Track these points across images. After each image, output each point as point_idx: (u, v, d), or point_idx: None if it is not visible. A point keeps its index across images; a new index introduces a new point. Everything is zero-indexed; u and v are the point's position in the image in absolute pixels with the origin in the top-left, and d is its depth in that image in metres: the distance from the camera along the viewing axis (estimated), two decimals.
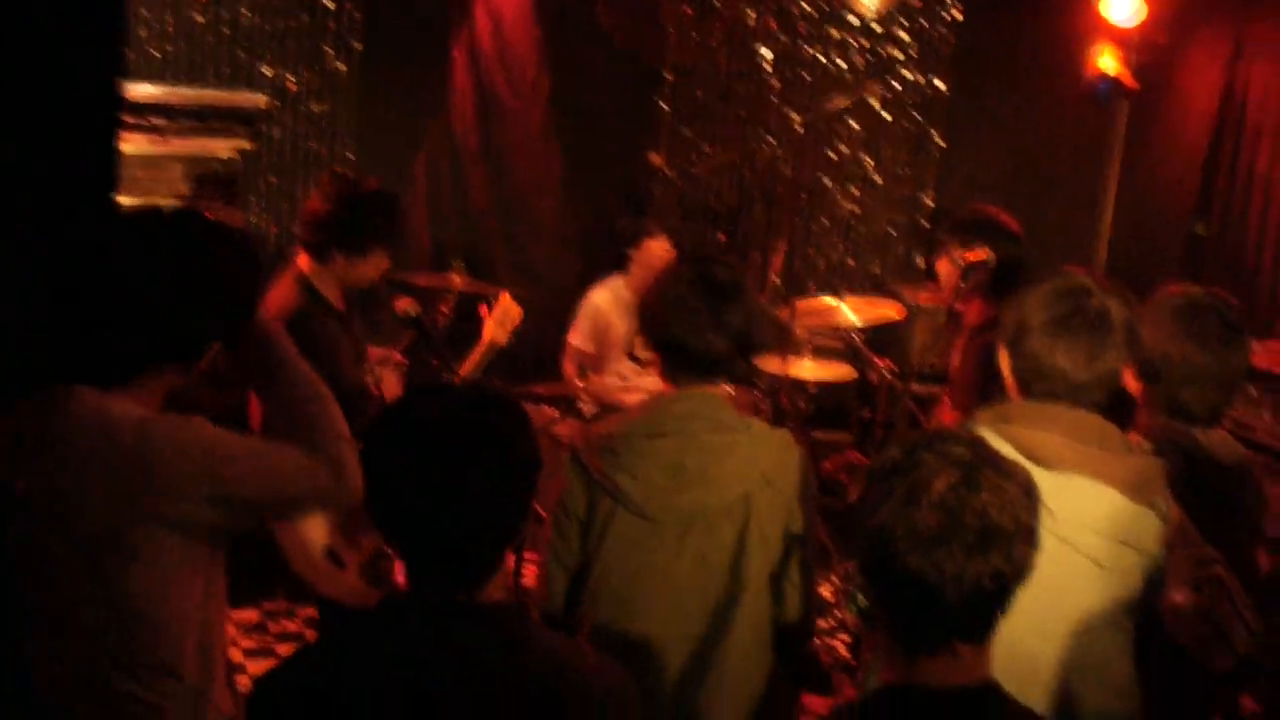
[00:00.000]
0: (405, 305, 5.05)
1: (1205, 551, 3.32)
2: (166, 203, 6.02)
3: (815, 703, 4.62)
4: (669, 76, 8.73)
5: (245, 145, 6.52)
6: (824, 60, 8.98)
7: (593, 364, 7.44)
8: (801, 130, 8.65)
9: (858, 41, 9.00)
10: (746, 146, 8.87)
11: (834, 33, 8.95)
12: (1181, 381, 3.66)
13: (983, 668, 2.29)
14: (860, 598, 3.16)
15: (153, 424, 2.90)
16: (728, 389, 3.58)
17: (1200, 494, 3.44)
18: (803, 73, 8.97)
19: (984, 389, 4.78)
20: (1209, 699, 3.73)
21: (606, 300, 7.44)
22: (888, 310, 7.16)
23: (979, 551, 2.18)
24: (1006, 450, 2.92)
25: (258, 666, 6.03)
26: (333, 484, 3.06)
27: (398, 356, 6.34)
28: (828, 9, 8.95)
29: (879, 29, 9.04)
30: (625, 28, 8.48)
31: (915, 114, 9.24)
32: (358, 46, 7.89)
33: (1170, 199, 8.35)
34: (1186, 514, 3.32)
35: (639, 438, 3.41)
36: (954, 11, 9.15)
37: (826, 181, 9.14)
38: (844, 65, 9.02)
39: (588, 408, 7.22)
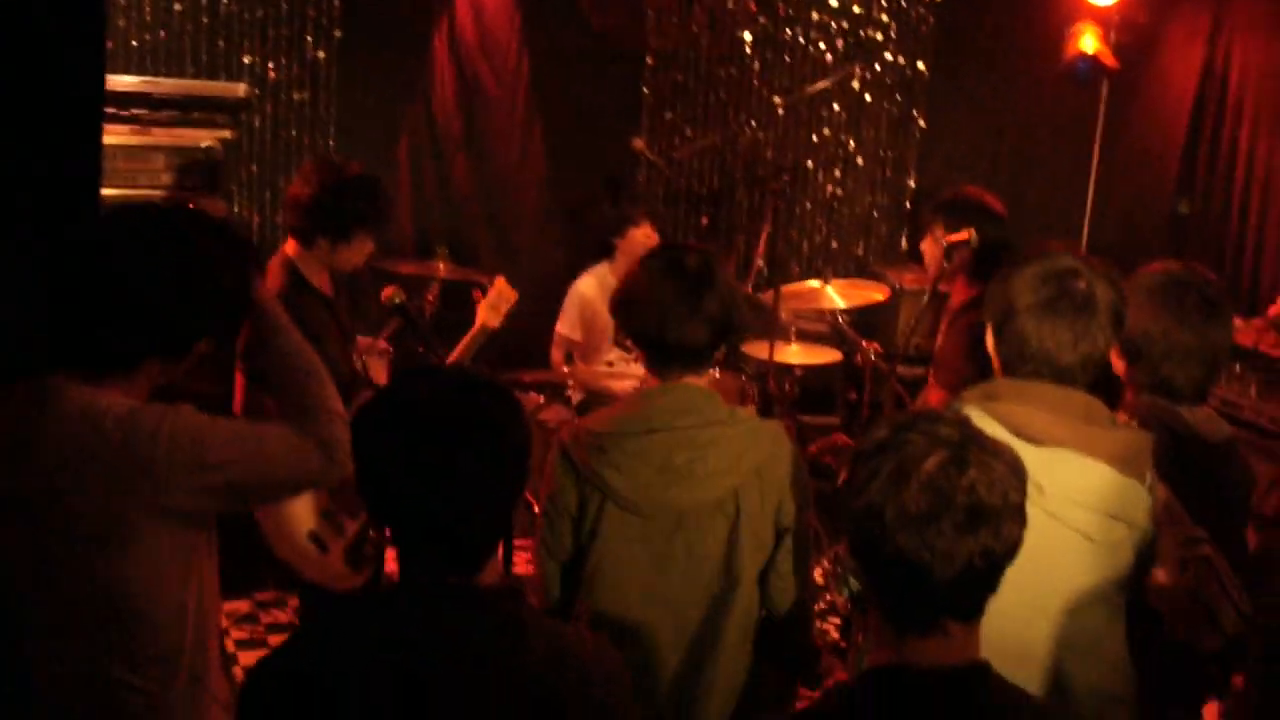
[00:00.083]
0: (390, 293, 5.04)
1: (1192, 530, 3.32)
2: (148, 193, 6.06)
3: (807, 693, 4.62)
4: (650, 61, 8.71)
5: (226, 134, 6.51)
6: (804, 43, 8.97)
7: (581, 352, 7.44)
8: (783, 113, 8.67)
9: (838, 24, 9.00)
10: (728, 130, 8.87)
11: (814, 15, 8.94)
12: (1163, 358, 3.66)
13: (973, 647, 2.30)
14: (852, 581, 3.17)
15: (140, 415, 2.90)
16: (714, 373, 3.56)
17: (1187, 472, 3.45)
18: (784, 55, 8.96)
19: (968, 368, 4.80)
20: (1201, 678, 3.74)
21: (592, 289, 7.44)
22: (872, 292, 7.17)
23: (968, 530, 2.18)
24: (994, 428, 2.93)
25: (249, 657, 6.03)
26: (324, 462, 3.07)
27: (383, 344, 6.34)
28: None
29: (859, 11, 9.04)
30: (606, 12, 8.47)
31: (897, 95, 9.24)
32: (337, 34, 7.87)
33: (1152, 178, 8.36)
34: (1173, 492, 3.33)
35: (628, 435, 3.38)
36: None
37: (809, 164, 9.14)
38: (824, 48, 9.01)
39: (575, 394, 7.22)
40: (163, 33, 7.38)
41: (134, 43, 7.27)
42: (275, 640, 6.21)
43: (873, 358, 6.96)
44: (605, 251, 7.52)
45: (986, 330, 3.33)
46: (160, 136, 6.34)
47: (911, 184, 9.36)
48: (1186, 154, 8.11)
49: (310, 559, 4.73)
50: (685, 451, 3.35)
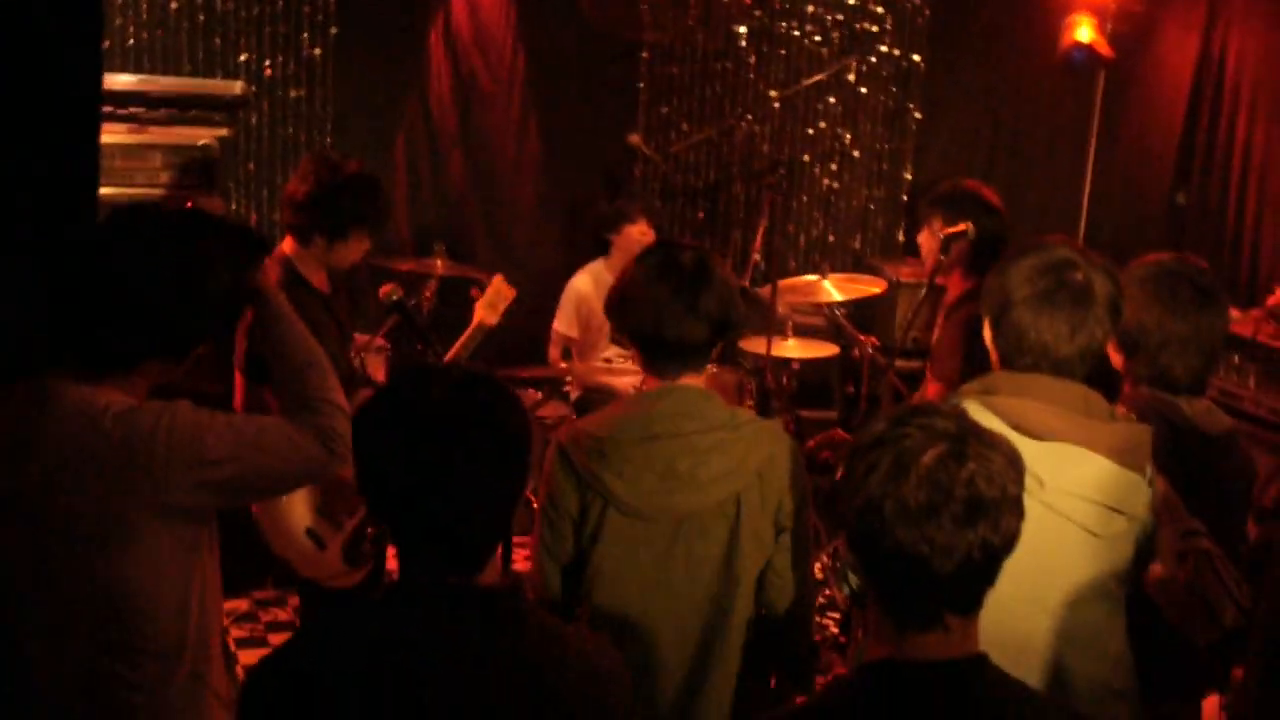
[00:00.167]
0: (388, 290, 5.05)
1: (1190, 523, 3.32)
2: (146, 191, 6.06)
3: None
4: (645, 55, 8.71)
5: (223, 132, 6.51)
6: (800, 36, 8.97)
7: (578, 350, 7.45)
8: (779, 107, 8.67)
9: (833, 17, 8.99)
10: (724, 124, 8.86)
11: (809, 8, 8.94)
12: (1160, 349, 3.66)
13: (971, 640, 2.30)
14: (851, 577, 3.17)
15: (138, 413, 2.91)
16: (712, 369, 3.55)
17: (1185, 464, 3.46)
18: (779, 49, 8.96)
19: (964, 361, 4.80)
20: (1200, 670, 3.75)
21: (589, 286, 7.44)
22: (869, 286, 7.18)
23: (967, 523, 2.19)
24: (993, 422, 2.94)
25: (249, 655, 6.04)
26: (324, 454, 3.07)
27: (381, 341, 6.35)
28: None
29: (854, 3, 9.03)
30: (601, 7, 8.46)
31: (892, 88, 9.23)
32: (333, 31, 7.87)
33: (1149, 169, 8.35)
34: (1172, 485, 3.33)
35: (629, 441, 3.35)
36: None
37: (805, 158, 9.14)
38: (820, 41, 9.01)
39: (573, 390, 7.23)
40: (159, 31, 7.38)
41: (131, 41, 7.27)
42: (275, 639, 6.21)
43: (870, 351, 6.97)
44: (601, 248, 7.53)
45: (984, 323, 3.33)
46: (157, 135, 6.34)
47: (908, 177, 9.36)
48: (1183, 144, 8.11)
49: (308, 556, 4.74)
50: (688, 458, 3.33)
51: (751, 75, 8.92)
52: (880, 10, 9.06)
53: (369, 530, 4.79)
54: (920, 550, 2.19)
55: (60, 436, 2.87)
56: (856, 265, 9.09)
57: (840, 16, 9.01)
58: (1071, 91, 8.65)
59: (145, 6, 7.32)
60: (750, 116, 8.87)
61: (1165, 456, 3.29)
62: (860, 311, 7.96)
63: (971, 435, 2.26)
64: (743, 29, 8.85)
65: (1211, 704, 4.02)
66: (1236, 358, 6.37)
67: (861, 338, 7.07)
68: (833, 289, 6.99)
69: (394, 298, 5.04)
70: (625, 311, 3.49)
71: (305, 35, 7.80)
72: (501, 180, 8.49)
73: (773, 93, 8.70)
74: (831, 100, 9.10)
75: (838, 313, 7.24)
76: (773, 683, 3.71)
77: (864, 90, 9.14)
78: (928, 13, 9.16)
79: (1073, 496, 3.05)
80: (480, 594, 2.42)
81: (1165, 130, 8.20)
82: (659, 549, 3.37)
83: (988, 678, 2.29)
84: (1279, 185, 7.46)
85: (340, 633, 2.43)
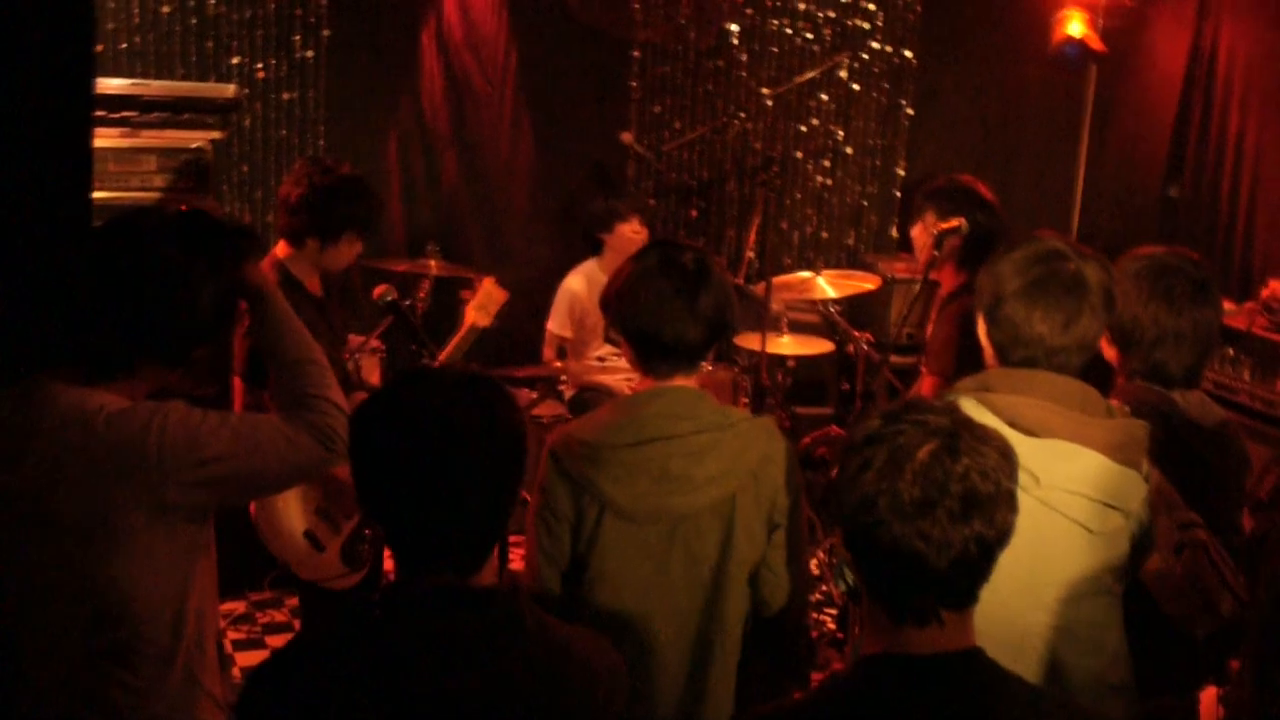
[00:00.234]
0: (382, 291, 5.05)
1: (1186, 515, 3.33)
2: (140, 195, 6.06)
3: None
4: (637, 54, 8.71)
5: (216, 135, 6.51)
6: (791, 34, 8.97)
7: (572, 349, 7.45)
8: (771, 104, 8.67)
9: (825, 14, 8.99)
10: (717, 122, 8.86)
11: (800, 5, 8.94)
12: (1155, 344, 3.66)
13: (966, 635, 2.31)
14: (848, 573, 3.17)
15: (131, 412, 2.91)
16: (707, 366, 3.53)
17: (1179, 457, 3.46)
18: (771, 47, 8.96)
19: (958, 355, 4.81)
20: (1198, 664, 3.75)
21: (582, 286, 7.45)
22: (863, 282, 7.19)
23: (962, 518, 2.20)
24: (990, 419, 2.94)
25: (247, 658, 6.04)
26: (320, 451, 3.08)
27: (376, 342, 6.35)
28: None
29: (845, 0, 9.03)
30: (592, 7, 8.46)
31: (884, 85, 9.24)
32: (326, 33, 7.86)
33: (1142, 163, 8.36)
34: (1167, 477, 3.34)
35: (622, 446, 3.34)
36: None
37: (798, 155, 9.14)
38: (811, 38, 9.01)
39: (568, 389, 7.24)
40: (151, 35, 7.37)
41: (123, 45, 7.26)
42: (272, 641, 6.22)
43: (865, 348, 6.97)
44: (594, 247, 7.54)
45: (978, 319, 3.33)
46: (150, 139, 6.34)
47: (901, 173, 9.36)
48: (1176, 138, 8.11)
49: (307, 558, 4.75)
50: (682, 459, 3.32)
51: (743, 73, 8.92)
52: (872, 7, 9.05)
53: (366, 532, 4.79)
54: (916, 546, 2.20)
55: (54, 438, 2.87)
56: (850, 262, 9.10)
57: (832, 13, 9.00)
58: (1064, 86, 8.67)
59: (137, 10, 7.31)
60: (743, 114, 8.87)
61: (1160, 449, 3.28)
62: (855, 308, 7.97)
63: (964, 430, 2.27)
64: (734, 27, 8.84)
65: (1209, 696, 4.02)
66: (1231, 350, 6.37)
67: (856, 334, 7.07)
68: (827, 286, 7.00)
69: (388, 299, 5.04)
70: (622, 308, 3.47)
71: (297, 38, 7.79)
72: (495, 180, 8.49)
73: (765, 90, 8.70)
74: (824, 97, 9.10)
75: (832, 309, 7.26)
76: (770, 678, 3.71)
77: (856, 87, 9.14)
78: (919, 8, 9.16)
79: (1069, 493, 3.05)
80: (479, 595, 2.42)
81: (1157, 124, 8.21)
82: (657, 551, 3.37)
83: (983, 671, 2.30)
84: (1271, 177, 7.46)
85: (338, 636, 2.44)
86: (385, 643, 2.37)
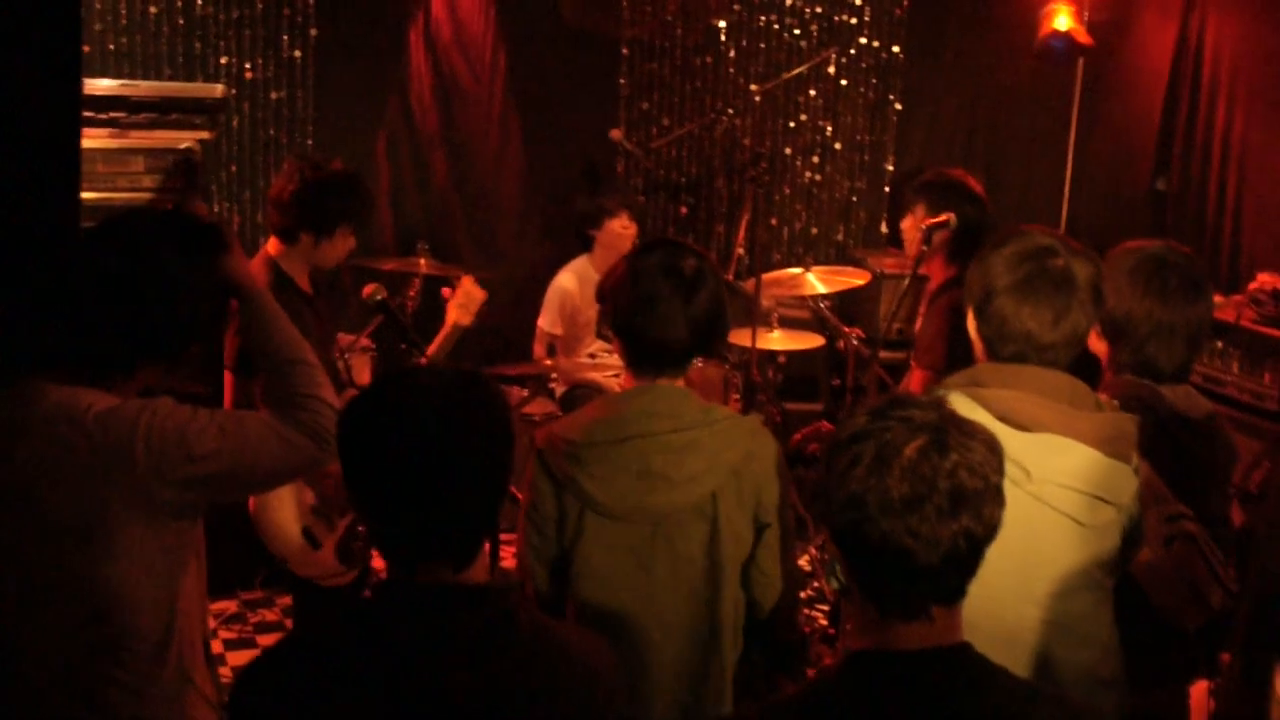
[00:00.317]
0: (372, 290, 5.06)
1: (1176, 507, 3.33)
2: (129, 196, 6.06)
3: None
4: (625, 51, 8.71)
5: (205, 135, 6.50)
6: (779, 29, 8.97)
7: (564, 347, 7.45)
8: (759, 100, 8.67)
9: (812, 10, 9.00)
10: (705, 119, 8.87)
11: (788, 2, 8.94)
12: (1148, 339, 3.67)
13: (955, 630, 2.31)
14: (837, 569, 3.17)
15: (120, 410, 2.91)
16: (698, 363, 3.53)
17: (1168, 449, 3.47)
18: (759, 43, 8.96)
19: (947, 349, 4.82)
20: (1189, 657, 3.76)
21: (573, 283, 7.46)
22: (853, 278, 7.20)
23: (951, 514, 2.20)
24: (980, 414, 2.95)
25: (238, 657, 6.04)
26: (310, 449, 3.08)
27: (366, 341, 6.35)
28: None
29: None
30: (580, 4, 8.46)
31: (872, 80, 9.24)
32: (314, 33, 7.86)
33: (1130, 156, 8.38)
34: (1156, 470, 3.34)
35: (603, 443, 3.34)
36: None
37: (787, 151, 9.14)
38: (799, 34, 9.02)
39: (558, 387, 7.24)
40: (139, 35, 7.37)
41: (110, 46, 7.26)
42: (264, 640, 6.22)
43: (855, 343, 6.99)
44: (584, 244, 7.54)
45: (967, 315, 3.33)
46: (139, 139, 6.34)
47: (889, 168, 9.37)
48: (1163, 131, 8.13)
49: (304, 555, 4.76)
50: (662, 457, 3.32)
51: (731, 69, 8.93)
52: (859, 2, 9.06)
53: (359, 529, 4.80)
54: (905, 542, 2.20)
55: (43, 435, 2.88)
56: (840, 257, 9.12)
57: (819, 9, 9.01)
58: (1051, 80, 8.68)
59: (125, 11, 7.31)
60: (731, 110, 8.87)
61: (1148, 441, 3.29)
62: (844, 303, 7.99)
63: (952, 426, 2.27)
64: (722, 23, 8.85)
65: (1200, 689, 4.03)
66: (1219, 343, 6.39)
67: (846, 329, 7.09)
68: (816, 281, 7.01)
69: (378, 298, 5.04)
70: (620, 308, 3.47)
71: (285, 37, 7.79)
72: (484, 178, 8.49)
73: (753, 86, 8.70)
74: (812, 93, 9.10)
75: (822, 305, 7.26)
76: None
77: (844, 82, 9.15)
78: (906, 4, 9.17)
79: (1059, 487, 3.06)
80: (470, 592, 2.42)
81: (1145, 117, 8.23)
82: (639, 549, 3.36)
83: (972, 666, 2.30)
84: (1258, 169, 7.48)
85: (330, 633, 2.44)
86: (378, 640, 2.37)
